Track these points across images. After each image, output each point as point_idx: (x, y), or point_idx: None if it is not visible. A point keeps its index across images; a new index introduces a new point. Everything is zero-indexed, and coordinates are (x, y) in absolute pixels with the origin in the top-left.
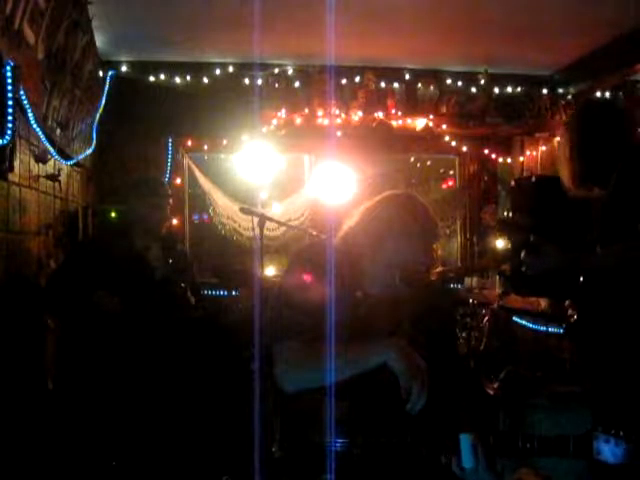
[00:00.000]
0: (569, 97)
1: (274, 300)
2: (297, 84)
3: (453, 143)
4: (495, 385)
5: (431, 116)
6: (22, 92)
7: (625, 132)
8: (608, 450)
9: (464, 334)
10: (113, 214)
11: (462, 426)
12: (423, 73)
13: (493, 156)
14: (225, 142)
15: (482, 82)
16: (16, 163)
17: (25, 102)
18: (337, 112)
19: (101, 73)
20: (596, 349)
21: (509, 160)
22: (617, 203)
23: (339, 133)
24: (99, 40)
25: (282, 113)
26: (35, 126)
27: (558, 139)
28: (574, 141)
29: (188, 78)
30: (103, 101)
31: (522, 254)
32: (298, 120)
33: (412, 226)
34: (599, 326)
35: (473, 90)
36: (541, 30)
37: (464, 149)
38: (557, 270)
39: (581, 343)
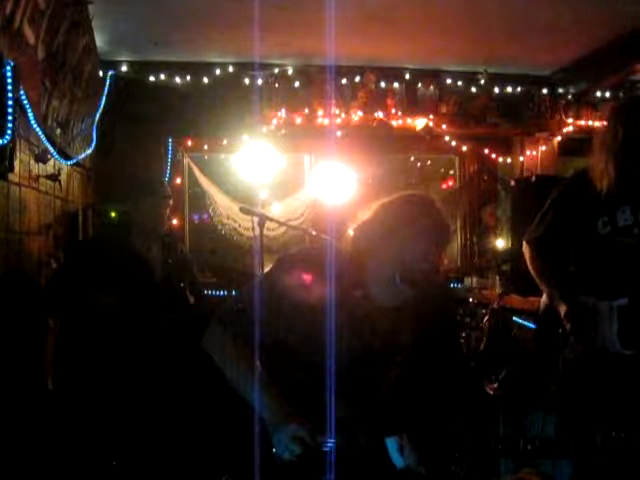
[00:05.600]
0: (569, 97)
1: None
2: (297, 84)
3: (453, 143)
4: (495, 385)
5: (431, 116)
6: (22, 92)
7: None
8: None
9: (464, 334)
10: (113, 214)
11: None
12: (423, 73)
13: (493, 156)
14: (225, 142)
15: (482, 82)
16: (16, 163)
17: (25, 102)
18: (337, 112)
19: (101, 73)
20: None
21: (509, 160)
22: None
23: (339, 133)
24: (99, 40)
25: (282, 113)
26: (35, 126)
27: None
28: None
29: (188, 78)
30: (103, 101)
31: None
32: (298, 120)
33: (422, 225)
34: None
35: (473, 90)
36: (541, 30)
37: (464, 149)
38: None
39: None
